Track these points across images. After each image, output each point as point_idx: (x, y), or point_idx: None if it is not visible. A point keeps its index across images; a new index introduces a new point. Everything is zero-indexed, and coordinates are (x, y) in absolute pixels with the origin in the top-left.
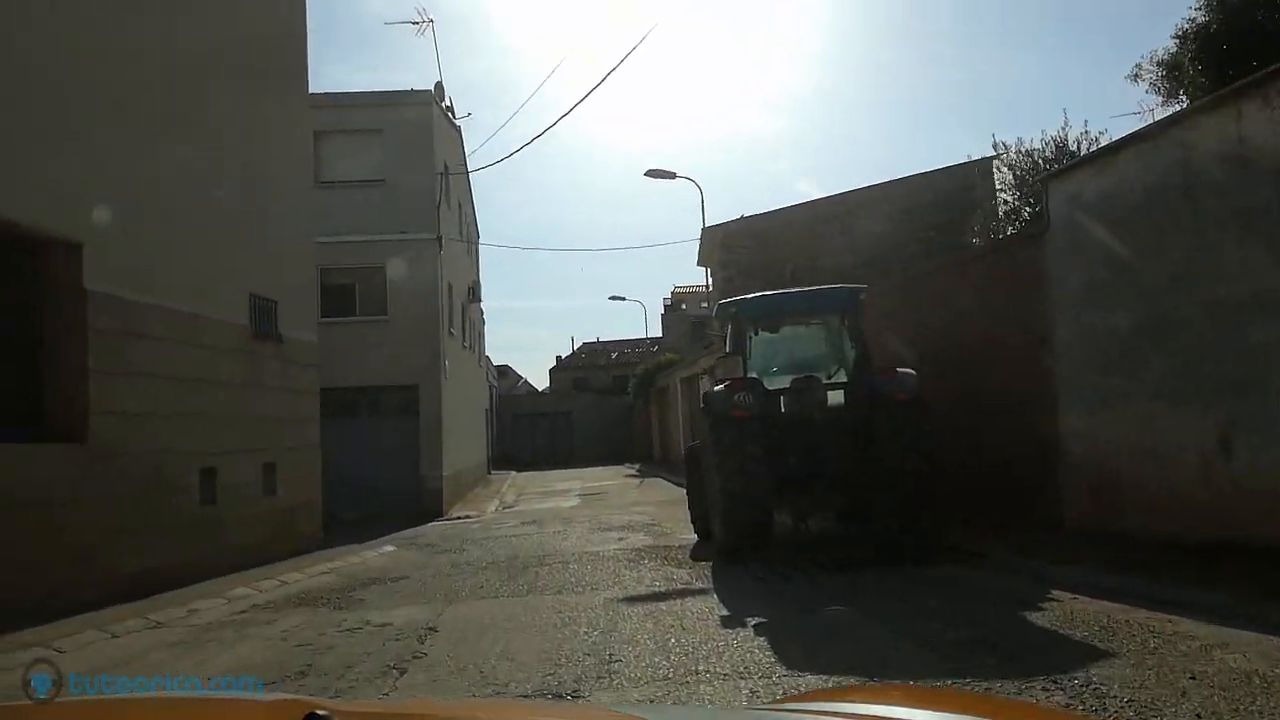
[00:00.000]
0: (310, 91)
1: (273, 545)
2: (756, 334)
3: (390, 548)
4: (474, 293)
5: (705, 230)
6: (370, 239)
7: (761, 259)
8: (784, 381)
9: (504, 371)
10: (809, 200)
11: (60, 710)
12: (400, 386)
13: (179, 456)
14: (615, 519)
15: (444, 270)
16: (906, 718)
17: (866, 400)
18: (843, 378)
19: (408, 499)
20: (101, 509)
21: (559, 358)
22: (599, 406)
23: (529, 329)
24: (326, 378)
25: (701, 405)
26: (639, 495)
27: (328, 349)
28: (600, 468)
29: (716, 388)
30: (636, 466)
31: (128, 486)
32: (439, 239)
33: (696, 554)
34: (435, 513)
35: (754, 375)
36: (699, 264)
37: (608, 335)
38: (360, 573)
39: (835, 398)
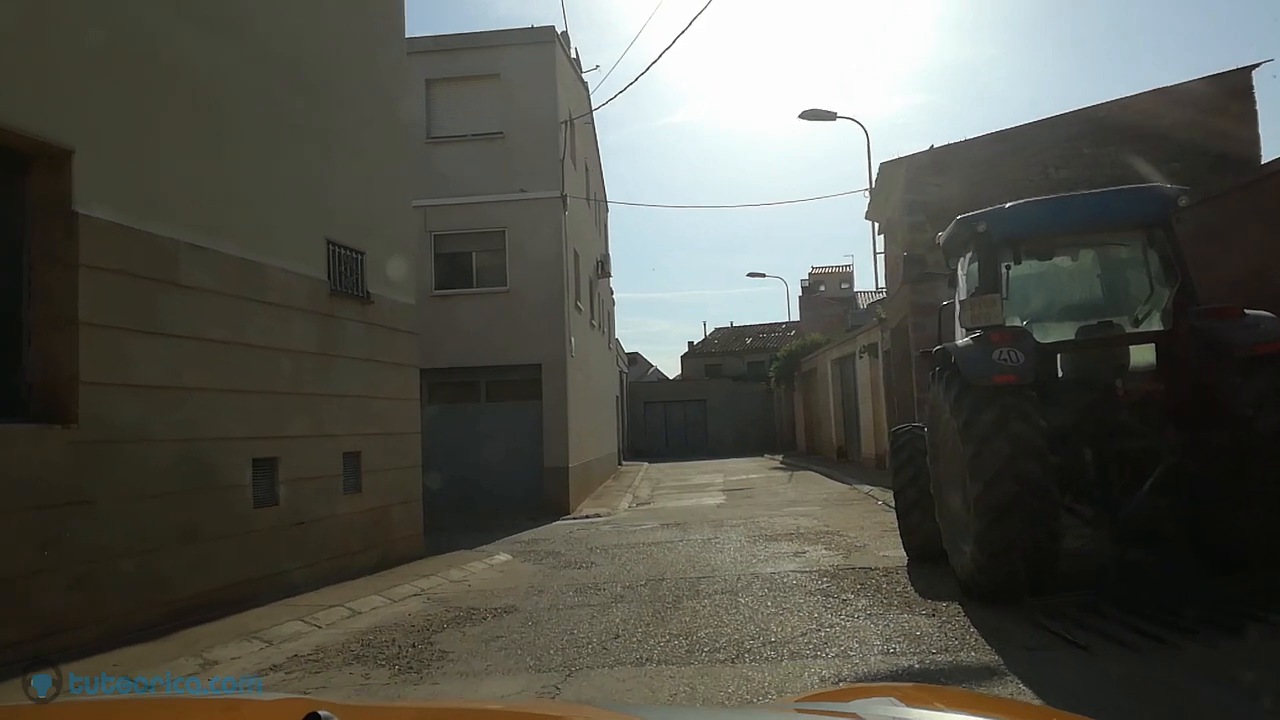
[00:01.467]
0: (416, 35)
1: (358, 555)
2: (1017, 262)
3: (504, 556)
4: (603, 266)
5: (884, 166)
6: (487, 199)
7: (960, 197)
8: (1064, 332)
9: (633, 359)
10: (1018, 126)
11: (60, 710)
12: (521, 366)
13: (225, 444)
14: (776, 522)
15: (569, 235)
16: (907, 718)
17: (1200, 357)
18: (1155, 324)
19: (530, 493)
20: (110, 514)
21: (691, 343)
22: (735, 394)
23: (660, 318)
24: (440, 356)
25: (932, 369)
26: (793, 492)
27: (441, 325)
28: (740, 459)
29: (963, 341)
30: (780, 458)
31: (150, 483)
32: (564, 198)
33: (924, 585)
34: (560, 509)
35: (1019, 324)
36: (868, 217)
37: (742, 320)
38: (457, 596)
39: (1142, 355)
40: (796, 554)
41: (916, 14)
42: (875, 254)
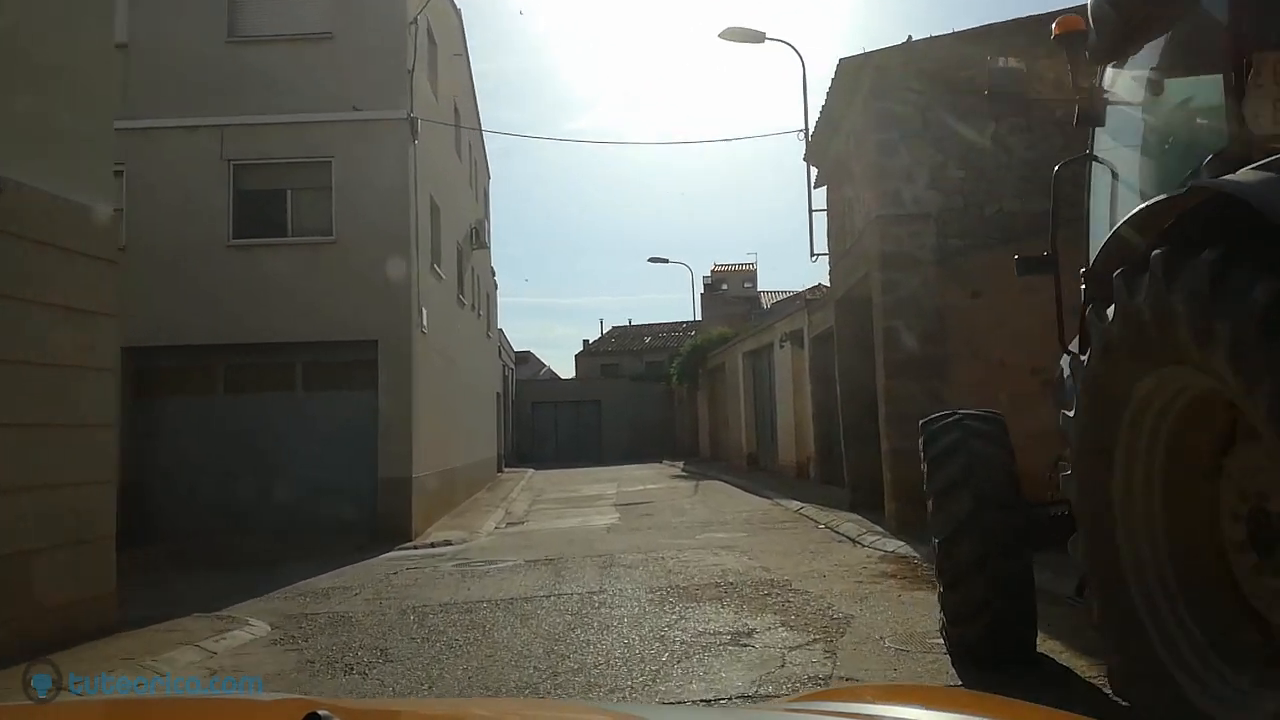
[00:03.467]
0: None
1: None
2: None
3: (250, 632)
4: (478, 235)
5: (842, 66)
6: (308, 119)
7: (946, 113)
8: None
9: (525, 358)
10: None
11: (60, 710)
12: (351, 344)
13: None
14: (690, 561)
15: (421, 173)
16: (906, 718)
17: None
18: None
19: (363, 512)
20: None
21: (586, 342)
22: (633, 394)
23: (562, 323)
24: (239, 328)
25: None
26: (704, 509)
27: (242, 286)
28: (636, 466)
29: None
30: (681, 465)
31: None
32: (412, 121)
33: None
34: (400, 534)
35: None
36: (806, 159)
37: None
38: None
39: None
40: (738, 638)
41: None
42: (811, 212)
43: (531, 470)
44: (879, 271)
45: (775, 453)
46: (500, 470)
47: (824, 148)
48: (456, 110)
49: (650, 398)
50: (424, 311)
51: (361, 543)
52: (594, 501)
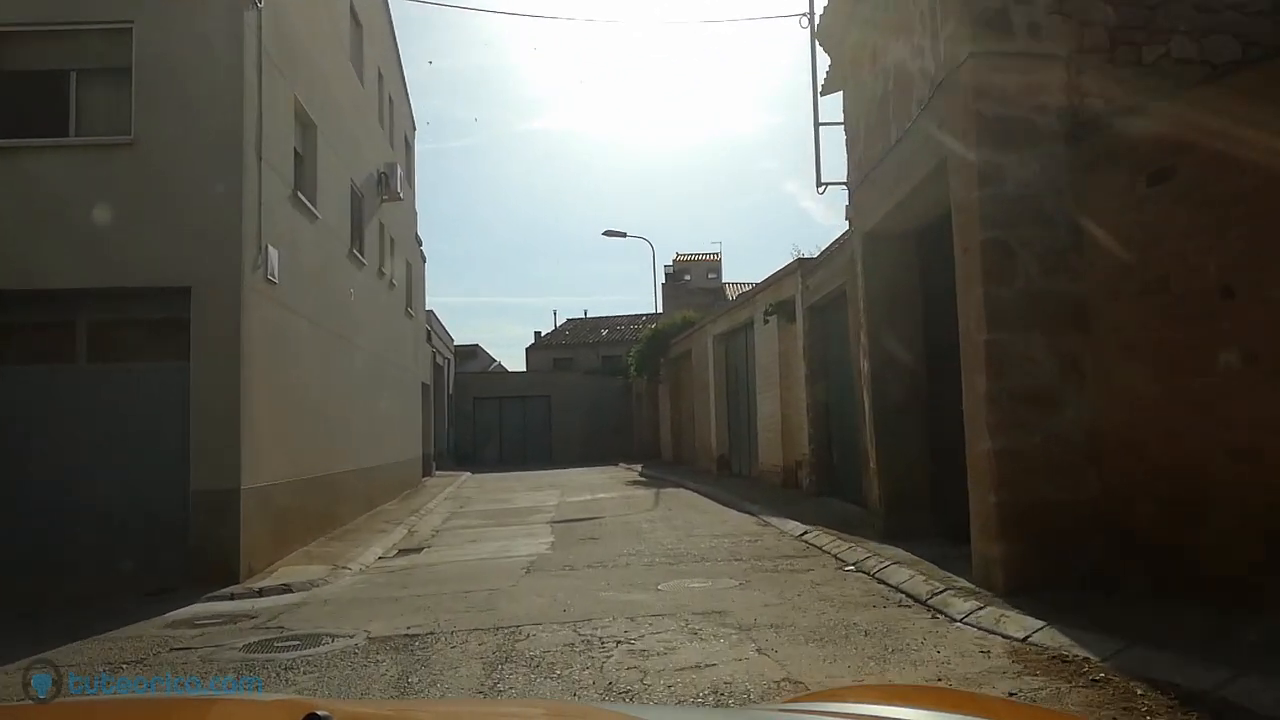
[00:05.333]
0: None
1: None
2: None
3: None
4: (387, 183)
5: None
6: None
7: None
8: None
9: (472, 352)
10: None
11: (60, 710)
12: (155, 292)
13: None
14: (653, 649)
15: (277, 57)
16: (907, 718)
17: None
18: None
19: (167, 539)
20: None
21: (538, 334)
22: (587, 389)
23: (515, 323)
24: None
25: None
26: (667, 529)
27: None
28: (588, 470)
29: None
30: (639, 469)
31: None
32: None
33: None
34: (223, 571)
35: None
36: (816, 39)
37: (598, 311)
38: None
39: None
40: None
41: None
42: (817, 127)
43: (467, 474)
44: (973, 150)
45: (754, 455)
46: (429, 474)
47: (847, 16)
48: (360, 25)
49: (607, 394)
50: (271, 253)
51: (161, 585)
52: (526, 516)
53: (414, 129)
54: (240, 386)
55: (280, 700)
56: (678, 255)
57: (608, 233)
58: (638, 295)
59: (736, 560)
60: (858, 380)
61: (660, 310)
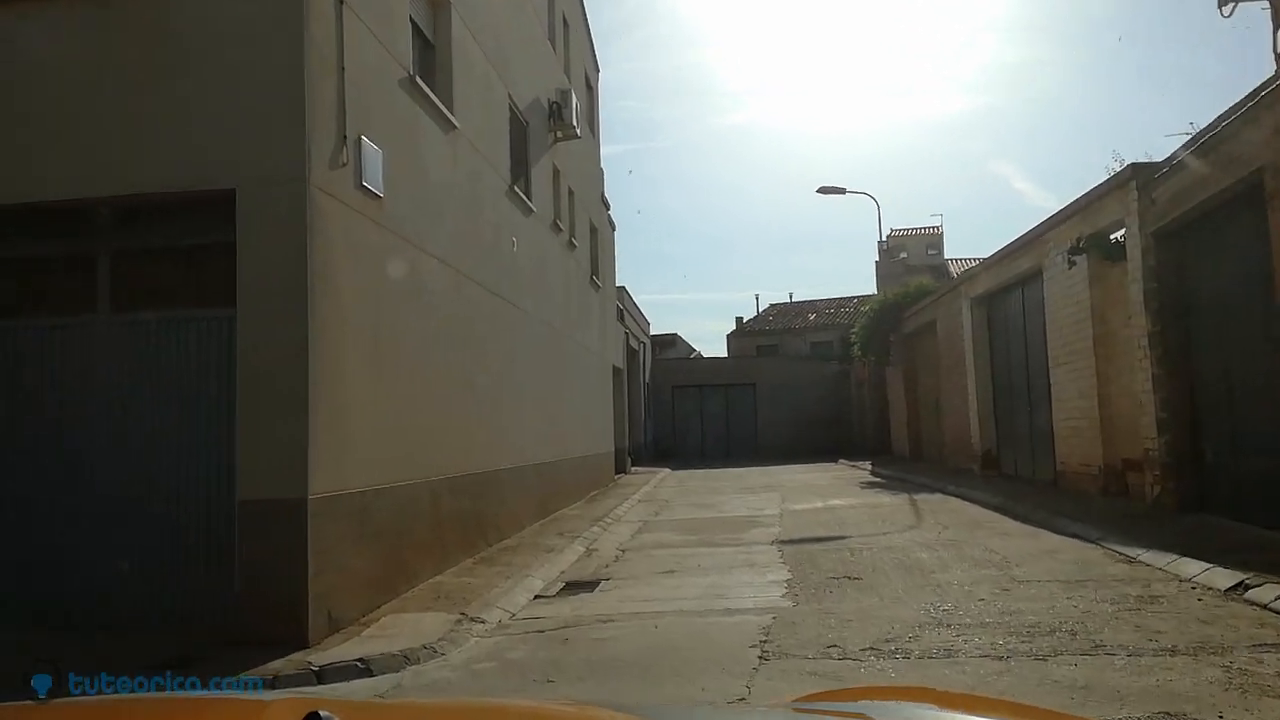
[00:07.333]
0: None
1: None
2: None
3: None
4: (560, 112)
5: None
6: None
7: None
8: None
9: (670, 341)
10: None
11: (60, 710)
12: (189, 201)
13: None
14: None
15: None
16: (907, 718)
17: None
18: None
19: (204, 575)
20: None
21: (739, 320)
22: (796, 375)
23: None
24: None
25: None
26: (953, 557)
27: None
28: (804, 466)
29: None
30: (868, 466)
31: None
32: None
33: None
34: (285, 625)
35: None
36: None
37: (805, 295)
38: None
39: None
40: None
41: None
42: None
43: (666, 471)
44: None
45: (1043, 451)
46: (623, 471)
47: None
48: None
49: (820, 380)
50: (368, 150)
51: (182, 649)
52: (742, 531)
53: (597, 70)
54: (310, 342)
55: (281, 700)
56: (893, 230)
57: (824, 189)
58: (844, 286)
59: (1154, 645)
60: None
61: (876, 292)
